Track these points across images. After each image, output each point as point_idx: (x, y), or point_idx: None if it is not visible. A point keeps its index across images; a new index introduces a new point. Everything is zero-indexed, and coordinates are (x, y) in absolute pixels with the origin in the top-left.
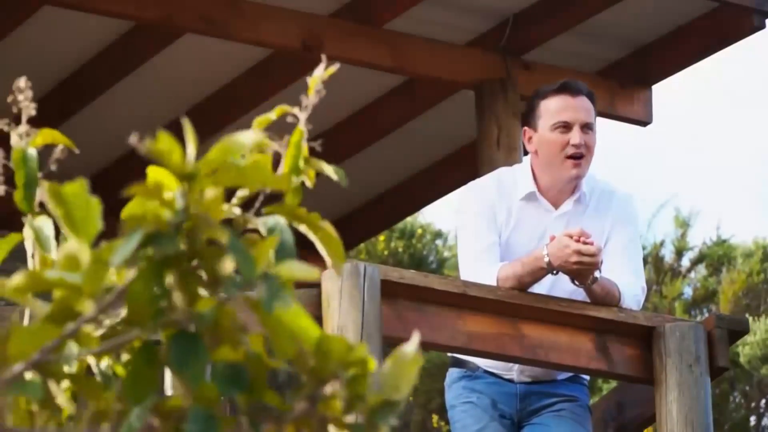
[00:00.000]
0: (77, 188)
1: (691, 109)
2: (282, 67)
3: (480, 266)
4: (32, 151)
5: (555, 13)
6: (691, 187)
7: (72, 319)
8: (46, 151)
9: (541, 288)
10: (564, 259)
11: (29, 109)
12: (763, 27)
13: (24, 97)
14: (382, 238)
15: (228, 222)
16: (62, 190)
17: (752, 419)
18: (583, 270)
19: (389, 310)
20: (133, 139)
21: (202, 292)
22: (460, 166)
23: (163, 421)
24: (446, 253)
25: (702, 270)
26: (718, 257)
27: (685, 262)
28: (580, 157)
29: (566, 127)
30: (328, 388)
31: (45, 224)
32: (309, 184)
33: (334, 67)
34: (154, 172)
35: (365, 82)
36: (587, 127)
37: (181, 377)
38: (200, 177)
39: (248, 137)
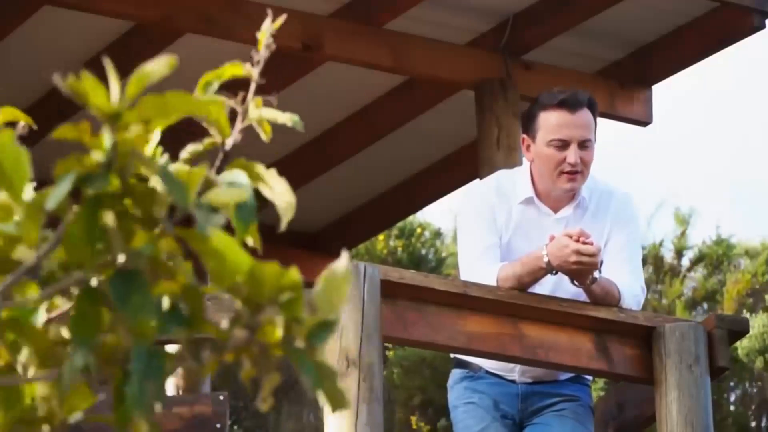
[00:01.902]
0: (5, 139)
1: (691, 109)
2: (282, 67)
3: (480, 267)
4: None
5: (555, 13)
6: (691, 187)
7: (11, 268)
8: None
9: (543, 289)
10: (563, 258)
11: None
12: (763, 27)
13: None
14: (381, 237)
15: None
16: None
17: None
18: (582, 270)
19: (389, 310)
20: (56, 78)
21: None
22: (460, 166)
23: (105, 363)
24: (445, 253)
25: (701, 270)
26: (717, 257)
27: (685, 262)
28: (575, 172)
29: (563, 144)
30: (264, 314)
31: None
32: (264, 137)
33: (282, 18)
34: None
35: (365, 82)
36: (585, 144)
37: (123, 315)
38: (125, 113)
39: (160, 63)
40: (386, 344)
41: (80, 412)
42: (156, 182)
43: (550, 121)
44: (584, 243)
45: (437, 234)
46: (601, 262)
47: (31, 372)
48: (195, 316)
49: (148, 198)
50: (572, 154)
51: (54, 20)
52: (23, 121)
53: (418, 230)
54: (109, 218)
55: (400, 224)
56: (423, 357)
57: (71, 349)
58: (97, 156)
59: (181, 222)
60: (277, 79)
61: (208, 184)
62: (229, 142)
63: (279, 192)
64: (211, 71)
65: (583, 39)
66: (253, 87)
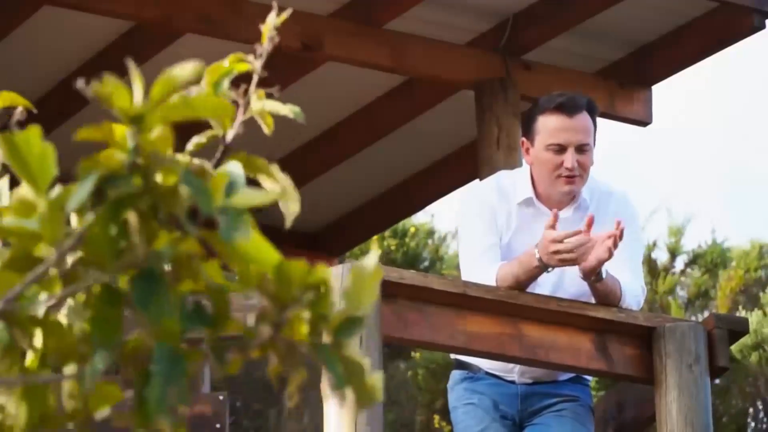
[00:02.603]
0: (31, 135)
1: (691, 109)
2: (282, 67)
3: (480, 267)
4: None
5: (555, 13)
6: (690, 187)
7: (33, 265)
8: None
9: (543, 289)
10: (546, 253)
11: None
12: (763, 27)
13: None
14: (375, 237)
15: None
16: (16, 138)
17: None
18: (568, 263)
19: (389, 310)
20: (79, 83)
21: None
22: (460, 166)
23: (127, 363)
24: (439, 252)
25: (696, 271)
26: (711, 259)
27: (679, 263)
28: (573, 176)
29: (560, 148)
30: (291, 312)
31: (3, 184)
32: (266, 130)
33: (287, 13)
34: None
35: (365, 82)
36: (583, 148)
37: (144, 316)
38: (148, 115)
39: (186, 68)
40: (414, 347)
41: (106, 409)
42: (179, 184)
43: (548, 125)
44: (568, 236)
45: (431, 233)
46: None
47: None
48: (220, 315)
49: (170, 199)
50: (569, 159)
51: (54, 20)
52: (21, 105)
53: (412, 230)
54: (131, 219)
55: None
56: (449, 361)
57: (92, 350)
58: (120, 156)
59: (205, 222)
60: (277, 79)
61: (203, 173)
62: (230, 135)
63: (282, 186)
64: (214, 66)
65: (583, 39)
66: (255, 79)
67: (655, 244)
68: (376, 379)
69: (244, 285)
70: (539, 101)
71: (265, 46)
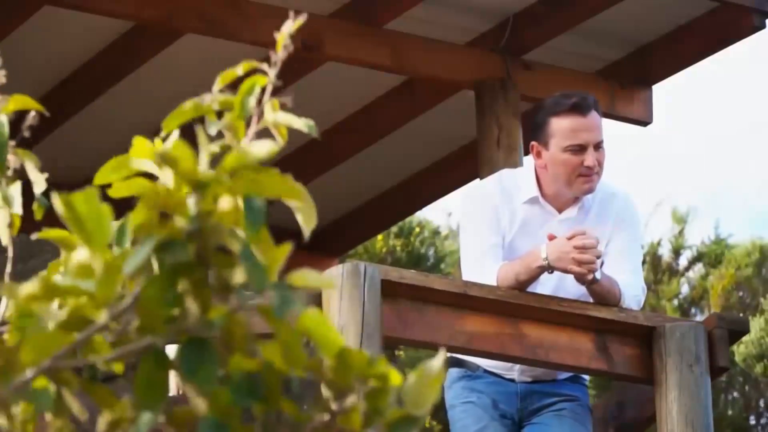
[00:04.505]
0: (88, 197)
1: (691, 109)
2: (282, 67)
3: (482, 267)
4: (2, 118)
5: (555, 13)
6: (690, 187)
7: (84, 326)
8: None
9: (545, 289)
10: (563, 259)
11: (0, 77)
12: (763, 27)
13: None
14: (380, 236)
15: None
16: (73, 199)
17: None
18: (579, 271)
19: (389, 310)
20: (136, 142)
21: (216, 300)
22: (460, 166)
23: (176, 429)
24: (443, 251)
25: (700, 269)
26: (715, 256)
27: (683, 261)
28: (592, 174)
29: (580, 148)
30: (348, 401)
31: (15, 190)
32: (280, 141)
33: (302, 18)
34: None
35: (365, 82)
36: (599, 145)
37: (191, 384)
38: (214, 184)
39: (264, 148)
40: (398, 346)
41: None
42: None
43: (564, 127)
44: (585, 246)
45: (436, 232)
46: (602, 263)
47: None
48: (272, 393)
49: (226, 269)
50: (590, 157)
51: (54, 20)
52: (35, 109)
53: (417, 229)
54: (185, 286)
55: (398, 223)
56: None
57: (137, 412)
58: (180, 223)
59: None
60: (276, 79)
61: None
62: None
63: (299, 200)
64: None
65: (583, 39)
66: (269, 89)
67: (659, 243)
68: None
69: (292, 366)
70: (547, 103)
71: (281, 54)
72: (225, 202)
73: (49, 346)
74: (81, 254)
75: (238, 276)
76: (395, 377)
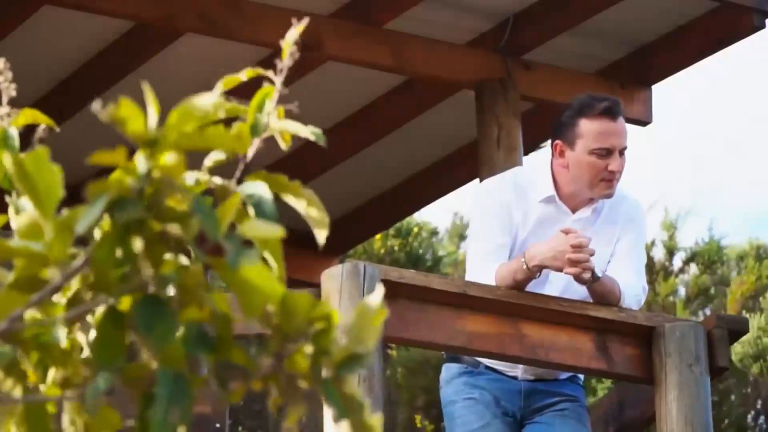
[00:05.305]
0: (38, 157)
1: (691, 109)
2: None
3: (485, 266)
4: (13, 131)
5: (555, 13)
6: (689, 187)
7: (38, 287)
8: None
9: (553, 288)
10: (559, 260)
11: (9, 90)
12: (763, 27)
13: (3, 78)
14: (378, 236)
15: (209, 191)
16: (24, 160)
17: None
18: (575, 271)
19: (389, 310)
20: (95, 106)
21: (168, 255)
22: (460, 166)
23: (131, 386)
24: (441, 252)
25: (694, 269)
26: (709, 256)
27: (677, 261)
28: (613, 179)
29: (607, 153)
30: (294, 345)
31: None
32: (284, 146)
33: (305, 22)
34: None
35: (365, 82)
36: (623, 151)
37: (148, 340)
38: (162, 142)
39: (208, 100)
40: (389, 344)
41: None
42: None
43: (594, 130)
44: (581, 244)
45: (434, 233)
46: (608, 262)
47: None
48: (223, 342)
49: (179, 225)
50: (615, 162)
51: (54, 20)
52: (44, 123)
53: (415, 229)
54: (137, 243)
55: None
56: (427, 357)
57: (94, 372)
58: (130, 181)
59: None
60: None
61: (225, 191)
62: (250, 153)
63: (310, 206)
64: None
65: (583, 39)
66: (275, 97)
67: (653, 243)
68: (375, 418)
69: (248, 315)
70: (577, 104)
71: (286, 61)
72: (173, 158)
73: (2, 308)
74: (30, 214)
75: (190, 231)
76: (337, 317)
